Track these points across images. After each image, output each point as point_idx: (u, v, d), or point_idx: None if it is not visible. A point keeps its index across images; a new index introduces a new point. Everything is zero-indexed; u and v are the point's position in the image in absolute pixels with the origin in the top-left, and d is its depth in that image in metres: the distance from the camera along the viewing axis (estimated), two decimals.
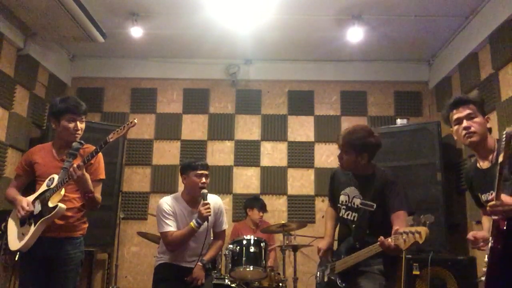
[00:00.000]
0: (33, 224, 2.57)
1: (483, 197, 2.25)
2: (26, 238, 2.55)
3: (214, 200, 3.25)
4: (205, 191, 3.07)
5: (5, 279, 4.22)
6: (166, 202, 3.17)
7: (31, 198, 2.69)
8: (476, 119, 2.21)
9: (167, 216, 3.10)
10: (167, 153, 5.52)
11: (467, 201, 4.53)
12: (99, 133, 4.92)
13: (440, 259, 4.05)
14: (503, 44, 3.88)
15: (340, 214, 2.74)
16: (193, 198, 3.16)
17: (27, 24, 4.35)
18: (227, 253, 3.98)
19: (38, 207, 2.62)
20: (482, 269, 2.15)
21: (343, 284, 2.57)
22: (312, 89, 5.69)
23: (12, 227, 2.69)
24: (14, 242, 2.62)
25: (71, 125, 2.73)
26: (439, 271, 4.01)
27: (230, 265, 3.91)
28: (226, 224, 3.37)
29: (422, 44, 5.08)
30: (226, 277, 3.93)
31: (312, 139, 5.56)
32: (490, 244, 2.02)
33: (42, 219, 2.55)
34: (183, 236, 3.05)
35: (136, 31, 4.59)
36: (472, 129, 2.19)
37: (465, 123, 2.22)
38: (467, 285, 3.96)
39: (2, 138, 4.33)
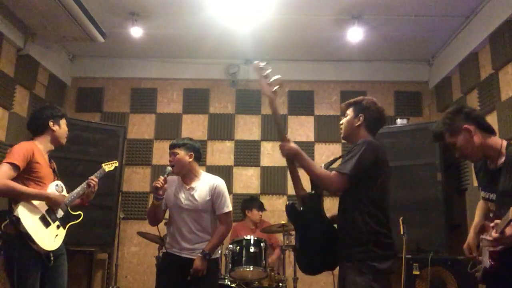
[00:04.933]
0: (61, 227, 2.84)
1: (482, 194, 2.25)
2: (61, 239, 2.82)
3: (209, 180, 3.11)
4: (168, 168, 3.03)
5: (5, 279, 4.22)
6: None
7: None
8: (457, 144, 2.17)
9: None
10: (167, 153, 5.42)
11: (467, 201, 4.53)
12: (99, 133, 4.94)
13: (440, 259, 4.05)
14: (503, 44, 3.88)
15: None
16: (183, 176, 3.10)
17: (27, 24, 4.35)
18: (227, 253, 3.99)
19: (60, 211, 2.86)
20: (481, 258, 2.14)
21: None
22: (312, 89, 5.70)
23: (34, 226, 2.66)
24: (49, 242, 2.73)
25: (67, 129, 3.02)
26: (439, 271, 4.01)
27: (230, 265, 3.92)
28: (228, 207, 3.09)
29: (422, 44, 5.08)
30: (226, 277, 3.94)
31: (312, 139, 5.56)
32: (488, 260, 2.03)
33: (70, 223, 2.90)
34: (148, 210, 3.08)
35: (136, 31, 4.59)
36: (461, 154, 2.20)
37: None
38: (467, 285, 3.96)
39: (2, 138, 4.32)
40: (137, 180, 5.49)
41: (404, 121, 4.84)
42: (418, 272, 4.03)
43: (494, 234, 1.88)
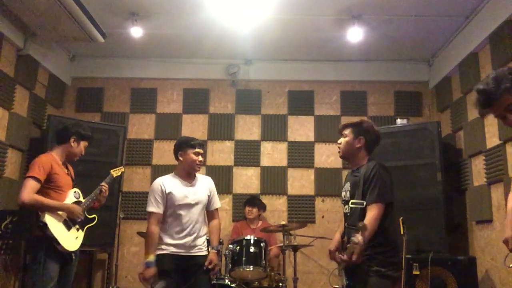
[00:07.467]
0: (80, 230, 3.19)
1: None
2: (80, 240, 3.19)
3: (202, 178, 3.38)
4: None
5: (5, 279, 4.22)
6: (159, 182, 3.22)
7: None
8: (508, 116, 1.94)
9: (155, 196, 3.16)
10: (167, 153, 5.52)
11: (467, 201, 4.53)
12: (99, 133, 4.93)
13: (440, 259, 4.05)
14: (503, 44, 3.88)
15: (344, 211, 2.79)
16: (188, 174, 3.28)
17: (27, 24, 4.35)
18: (227, 253, 3.99)
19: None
20: None
21: (347, 282, 2.58)
22: (312, 89, 5.69)
23: (58, 230, 3.01)
24: (72, 243, 3.09)
25: (83, 151, 3.33)
26: (439, 271, 4.01)
27: (230, 265, 3.92)
28: (219, 203, 3.44)
29: (422, 44, 5.08)
30: (226, 277, 3.94)
31: (312, 139, 5.56)
32: None
33: (88, 226, 3.28)
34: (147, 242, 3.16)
35: (136, 31, 4.58)
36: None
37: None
38: (467, 285, 3.96)
39: (2, 138, 4.32)
40: (137, 180, 5.49)
41: (404, 121, 4.84)
42: (418, 272, 4.03)
43: None
